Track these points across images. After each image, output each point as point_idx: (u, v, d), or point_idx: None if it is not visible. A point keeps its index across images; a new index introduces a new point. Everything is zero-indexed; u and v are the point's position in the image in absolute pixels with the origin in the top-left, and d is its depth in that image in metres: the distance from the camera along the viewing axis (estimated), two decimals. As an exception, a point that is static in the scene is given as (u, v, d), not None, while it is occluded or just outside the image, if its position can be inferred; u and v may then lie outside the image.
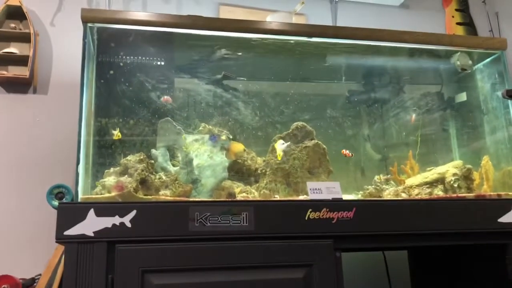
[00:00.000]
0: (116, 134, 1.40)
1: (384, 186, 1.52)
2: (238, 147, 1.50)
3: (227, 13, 2.04)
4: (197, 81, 1.60)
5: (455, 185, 1.53)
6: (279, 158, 1.48)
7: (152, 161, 1.40)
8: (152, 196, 1.30)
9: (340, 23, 2.19)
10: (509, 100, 1.64)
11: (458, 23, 2.37)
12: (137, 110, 1.49)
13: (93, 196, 1.29)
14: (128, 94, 1.50)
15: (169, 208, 1.22)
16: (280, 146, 1.48)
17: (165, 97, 1.49)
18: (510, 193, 1.54)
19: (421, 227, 1.35)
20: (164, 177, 1.34)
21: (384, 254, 1.95)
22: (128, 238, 1.18)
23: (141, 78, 1.50)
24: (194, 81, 1.60)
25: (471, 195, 1.51)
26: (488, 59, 1.74)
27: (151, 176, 1.33)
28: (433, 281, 1.85)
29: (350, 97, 1.79)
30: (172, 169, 1.41)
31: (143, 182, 1.31)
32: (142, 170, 1.30)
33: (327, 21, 2.20)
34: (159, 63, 1.58)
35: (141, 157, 1.33)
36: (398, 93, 1.82)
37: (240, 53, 1.63)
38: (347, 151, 1.57)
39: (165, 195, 1.32)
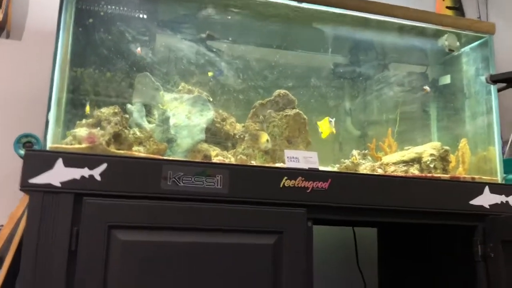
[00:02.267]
0: (87, 109, 1.34)
1: (361, 160, 1.51)
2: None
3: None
4: (180, 38, 1.54)
5: (431, 166, 1.53)
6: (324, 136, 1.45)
7: (127, 116, 1.35)
8: (125, 151, 1.26)
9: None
10: (491, 86, 1.64)
11: (447, 7, 2.36)
12: (115, 62, 1.43)
13: (63, 145, 1.24)
14: (106, 45, 1.43)
15: (142, 164, 1.18)
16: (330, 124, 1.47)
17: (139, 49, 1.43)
18: (483, 177, 1.56)
19: (394, 203, 1.35)
20: (138, 133, 1.30)
21: (354, 230, 1.97)
22: (96, 191, 1.14)
23: (122, 28, 1.43)
24: (177, 38, 1.54)
25: (445, 176, 1.51)
26: (475, 43, 1.74)
27: (125, 131, 1.29)
28: (400, 260, 1.88)
29: (335, 70, 1.76)
30: (147, 126, 1.37)
31: (116, 136, 1.26)
32: (116, 124, 1.25)
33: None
34: (142, 15, 1.52)
35: (116, 110, 1.28)
36: (383, 69, 1.80)
37: (227, 14, 1.57)
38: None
39: (138, 151, 1.27)
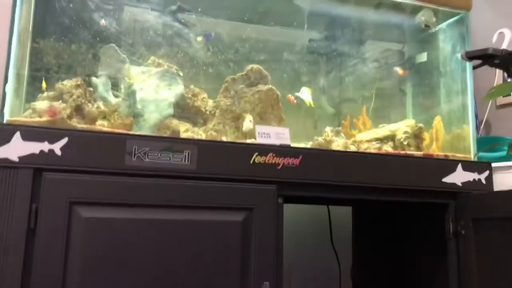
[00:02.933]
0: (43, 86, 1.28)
1: (334, 137, 1.49)
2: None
3: None
4: (149, 9, 1.48)
5: (405, 143, 1.52)
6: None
7: (91, 89, 1.29)
8: (88, 126, 1.20)
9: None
10: (467, 63, 1.62)
11: (427, -15, 2.32)
12: (80, 33, 1.36)
13: (21, 119, 1.18)
14: (71, 15, 1.37)
15: (105, 139, 1.14)
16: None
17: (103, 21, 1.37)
18: (457, 155, 1.55)
19: (366, 180, 1.34)
20: (102, 107, 1.25)
21: (329, 209, 1.96)
22: (57, 166, 1.09)
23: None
24: (145, 9, 1.48)
25: (419, 153, 1.50)
26: (452, 19, 1.71)
27: (88, 104, 1.23)
28: (374, 238, 1.88)
29: (309, 45, 1.72)
30: (112, 99, 1.31)
31: (78, 110, 1.21)
32: (78, 97, 1.20)
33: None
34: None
35: (78, 83, 1.22)
36: (358, 46, 1.77)
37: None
38: (292, 97, 1.52)
39: (102, 125, 1.22)
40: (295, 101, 1.52)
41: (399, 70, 1.70)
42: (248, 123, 1.40)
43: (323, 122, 1.71)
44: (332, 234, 1.94)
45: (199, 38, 1.52)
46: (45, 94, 1.24)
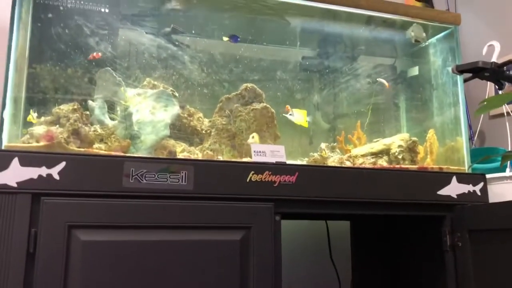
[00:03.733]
0: (30, 116, 1.29)
1: (329, 153, 1.50)
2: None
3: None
4: (143, 32, 1.50)
5: (400, 157, 1.53)
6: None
7: (88, 113, 1.31)
8: (85, 149, 1.22)
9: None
10: (458, 76, 1.65)
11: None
12: (74, 57, 1.38)
13: (19, 144, 1.19)
14: (67, 40, 1.39)
15: (102, 161, 1.15)
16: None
17: (94, 54, 1.39)
18: (451, 167, 1.57)
19: (362, 195, 1.35)
20: (99, 130, 1.26)
21: (327, 224, 1.97)
22: (55, 190, 1.10)
23: (82, 23, 1.39)
24: (140, 32, 1.51)
25: (413, 167, 1.52)
26: (441, 34, 1.74)
27: (85, 128, 1.25)
28: (372, 252, 1.88)
29: (303, 63, 1.75)
30: (109, 122, 1.33)
31: (76, 134, 1.23)
32: (75, 121, 1.21)
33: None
34: (103, 9, 1.47)
35: (75, 107, 1.24)
36: (351, 62, 1.80)
37: (191, 7, 1.54)
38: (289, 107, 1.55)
39: (99, 148, 1.24)
40: (290, 112, 1.53)
41: (384, 82, 1.71)
42: (251, 139, 1.42)
43: (318, 138, 1.73)
44: (331, 249, 1.95)
45: (225, 38, 1.54)
46: (42, 118, 1.25)
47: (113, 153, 1.24)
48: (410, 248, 1.72)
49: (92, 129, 1.27)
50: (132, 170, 1.16)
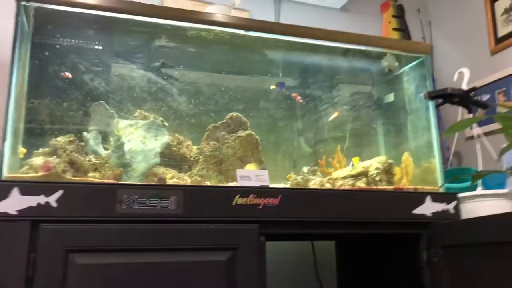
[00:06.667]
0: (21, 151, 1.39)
1: (310, 176, 1.60)
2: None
3: (170, 3, 2.06)
4: (135, 67, 1.61)
5: (377, 179, 1.63)
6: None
7: (83, 144, 1.40)
8: (80, 178, 1.30)
9: (283, 21, 2.26)
10: (430, 102, 1.76)
11: (394, 29, 2.50)
12: (70, 92, 1.48)
13: (18, 175, 1.28)
14: (62, 77, 1.49)
15: (97, 189, 1.23)
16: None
17: (66, 73, 1.49)
18: (425, 187, 1.66)
19: (342, 215, 1.43)
20: (94, 160, 1.35)
21: (313, 244, 2.04)
22: (53, 217, 1.18)
23: (76, 60, 1.49)
24: (131, 67, 1.61)
25: (390, 187, 1.61)
26: (414, 63, 1.86)
27: (81, 158, 1.34)
28: (357, 270, 1.96)
29: (286, 92, 1.86)
30: (103, 152, 1.42)
31: (72, 164, 1.31)
32: (72, 151, 1.30)
33: (270, 19, 2.27)
34: (97, 47, 1.58)
35: (71, 139, 1.33)
36: (331, 91, 1.91)
37: (178, 43, 1.66)
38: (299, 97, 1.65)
39: (94, 177, 1.32)
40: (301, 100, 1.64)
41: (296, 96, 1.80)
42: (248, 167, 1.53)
43: (301, 162, 1.82)
44: (317, 268, 2.02)
45: (273, 87, 1.65)
46: (40, 150, 1.34)
47: (106, 181, 1.32)
48: (392, 264, 1.79)
49: (87, 159, 1.36)
50: (125, 196, 1.24)
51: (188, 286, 1.25)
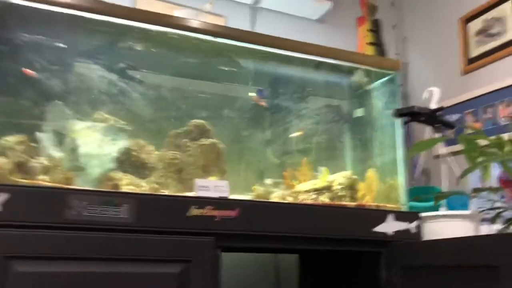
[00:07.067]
0: None
1: (273, 189, 1.57)
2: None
3: (144, 4, 2.02)
4: (95, 68, 1.56)
5: (340, 194, 1.61)
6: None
7: (35, 145, 1.34)
8: (29, 180, 1.24)
9: (258, 30, 2.23)
10: (397, 119, 1.76)
11: (369, 43, 2.51)
12: (25, 90, 1.42)
13: (-39, 175, 1.21)
14: (17, 72, 1.43)
15: (45, 193, 1.17)
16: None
17: (29, 71, 1.43)
18: (388, 205, 1.65)
19: (302, 230, 1.40)
20: (45, 162, 1.29)
21: (276, 257, 2.01)
22: (-3, 222, 1.12)
23: (34, 57, 1.43)
24: (92, 68, 1.56)
25: (352, 204, 1.59)
26: (384, 79, 1.86)
27: (31, 160, 1.28)
28: (320, 285, 1.93)
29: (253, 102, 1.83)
30: (56, 154, 1.36)
31: (21, 166, 1.25)
32: (21, 152, 1.24)
33: (246, 27, 2.24)
34: (59, 44, 1.53)
35: (21, 139, 1.27)
36: (300, 103, 1.89)
37: (144, 45, 1.61)
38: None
39: (44, 180, 1.27)
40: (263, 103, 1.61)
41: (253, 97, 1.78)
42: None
43: (267, 173, 1.79)
44: (279, 281, 1.99)
45: (252, 94, 1.61)
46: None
47: (56, 185, 1.27)
48: (353, 281, 1.77)
49: (38, 161, 1.30)
50: (75, 202, 1.19)
51: (137, 299, 1.20)
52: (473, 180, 1.99)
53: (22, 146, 1.26)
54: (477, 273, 1.23)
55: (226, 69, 1.75)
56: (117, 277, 1.20)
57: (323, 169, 1.66)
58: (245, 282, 1.96)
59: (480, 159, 1.29)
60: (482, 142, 1.33)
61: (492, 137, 1.35)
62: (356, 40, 2.51)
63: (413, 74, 2.55)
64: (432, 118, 1.66)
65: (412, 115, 1.67)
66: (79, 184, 1.35)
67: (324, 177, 1.62)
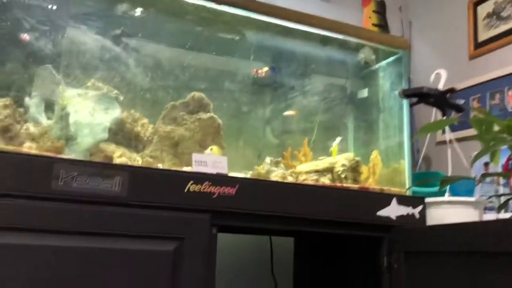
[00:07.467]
0: None
1: (273, 168, 1.49)
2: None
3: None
4: (89, 33, 1.46)
5: (343, 176, 1.54)
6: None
7: (22, 110, 1.25)
8: (14, 147, 1.16)
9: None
10: (404, 100, 1.69)
11: (374, 24, 2.43)
12: (12, 51, 1.33)
13: None
14: (5, 33, 1.33)
15: (31, 162, 1.09)
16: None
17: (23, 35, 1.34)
18: (392, 189, 1.58)
19: (302, 212, 1.34)
20: (32, 128, 1.20)
21: (271, 239, 1.95)
22: (-26, 191, 1.04)
23: (23, 17, 1.34)
24: (86, 32, 1.47)
25: (355, 186, 1.53)
26: (391, 58, 1.78)
27: (17, 125, 1.19)
28: (314, 269, 1.88)
29: (254, 76, 1.75)
30: (45, 121, 1.27)
31: (6, 131, 1.17)
32: (6, 117, 1.15)
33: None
34: (51, 6, 1.43)
35: (7, 103, 1.18)
36: (303, 79, 1.81)
37: (142, 11, 1.52)
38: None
39: (30, 148, 1.18)
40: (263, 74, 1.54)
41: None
42: (209, 151, 1.40)
43: (266, 152, 1.72)
44: (273, 264, 1.93)
45: (265, 69, 1.53)
46: (-29, 113, 1.18)
47: (43, 153, 1.18)
48: (351, 266, 1.72)
49: (24, 127, 1.21)
50: (62, 172, 1.10)
51: (129, 277, 1.13)
52: (476, 167, 1.93)
53: (7, 110, 1.17)
54: (482, 259, 1.17)
55: (228, 38, 1.65)
56: (106, 253, 1.12)
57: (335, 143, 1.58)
58: (240, 264, 1.90)
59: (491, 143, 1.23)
60: (492, 126, 1.26)
61: (504, 121, 1.29)
62: (361, 21, 2.43)
63: (417, 58, 2.47)
64: (441, 100, 1.59)
65: (421, 96, 1.59)
66: (69, 154, 1.26)
67: (334, 152, 1.55)
